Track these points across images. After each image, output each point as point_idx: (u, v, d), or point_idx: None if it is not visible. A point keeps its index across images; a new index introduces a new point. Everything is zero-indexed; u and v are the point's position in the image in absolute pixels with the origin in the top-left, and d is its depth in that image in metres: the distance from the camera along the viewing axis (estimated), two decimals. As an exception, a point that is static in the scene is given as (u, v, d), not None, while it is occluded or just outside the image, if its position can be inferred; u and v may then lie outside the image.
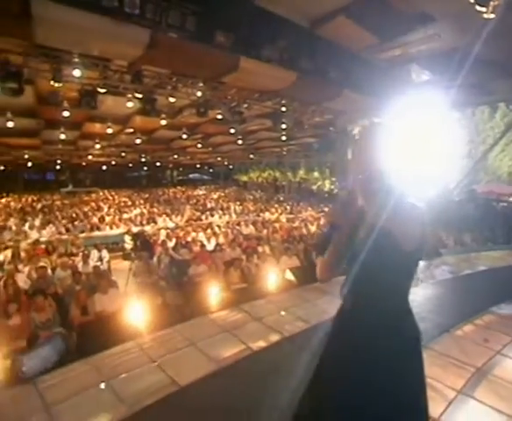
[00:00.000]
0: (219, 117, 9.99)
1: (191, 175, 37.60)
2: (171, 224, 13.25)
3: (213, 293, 5.28)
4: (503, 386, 2.86)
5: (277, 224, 12.61)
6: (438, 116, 7.28)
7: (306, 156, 23.34)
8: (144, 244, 7.96)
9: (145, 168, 32.82)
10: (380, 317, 1.35)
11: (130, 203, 19.48)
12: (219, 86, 8.00)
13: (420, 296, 5.17)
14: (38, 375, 3.08)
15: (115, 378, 3.08)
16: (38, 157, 21.27)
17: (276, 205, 19.43)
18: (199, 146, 18.74)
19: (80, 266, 7.33)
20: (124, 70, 7.06)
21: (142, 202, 19.97)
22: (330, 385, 1.39)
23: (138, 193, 25.02)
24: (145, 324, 4.22)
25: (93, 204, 18.22)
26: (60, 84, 6.65)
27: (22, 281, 6.24)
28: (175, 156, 24.82)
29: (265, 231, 11.30)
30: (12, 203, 18.56)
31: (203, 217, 15.18)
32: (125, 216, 14.63)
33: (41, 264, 6.86)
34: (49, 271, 6.72)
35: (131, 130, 13.92)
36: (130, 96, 8.19)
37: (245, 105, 9.24)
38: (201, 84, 7.92)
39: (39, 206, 17.24)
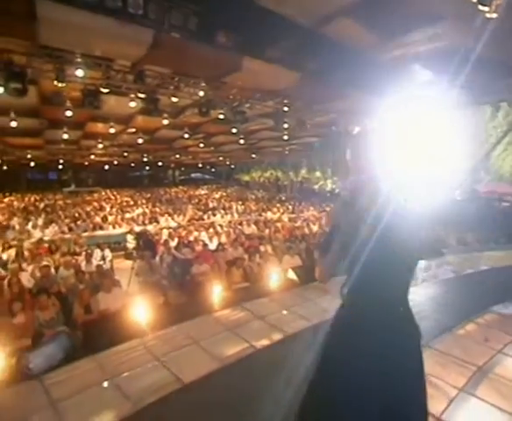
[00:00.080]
0: (221, 116, 10.02)
1: (193, 175, 37.62)
2: (173, 224, 13.29)
3: (215, 292, 5.31)
4: (504, 384, 2.87)
5: (279, 224, 12.62)
6: (441, 115, 7.27)
7: (308, 156, 23.35)
8: (146, 243, 7.99)
9: (147, 168, 32.87)
10: (380, 317, 1.36)
11: (132, 202, 19.52)
12: (221, 86, 8.03)
13: (422, 296, 5.20)
14: (44, 372, 3.12)
15: (120, 375, 3.12)
16: (40, 157, 21.37)
17: (278, 205, 19.43)
18: (201, 145, 18.77)
19: (83, 265, 7.38)
20: (126, 70, 7.11)
21: (144, 201, 20.02)
22: (330, 384, 1.39)
23: (141, 193, 25.06)
24: (148, 322, 4.26)
25: (95, 204, 18.27)
26: (64, 84, 6.70)
27: (26, 279, 6.28)
28: (177, 156, 24.86)
29: (267, 231, 11.31)
30: (15, 203, 18.65)
31: (205, 216, 15.21)
32: (128, 215, 14.68)
33: (44, 263, 6.91)
34: (52, 270, 6.75)
35: (134, 129, 13.96)
36: (132, 95, 8.23)
37: (248, 105, 9.26)
38: (203, 84, 7.95)
39: (42, 206, 17.32)
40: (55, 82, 6.54)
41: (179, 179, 36.93)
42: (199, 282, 6.21)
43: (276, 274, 6.04)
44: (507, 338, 3.70)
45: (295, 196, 24.26)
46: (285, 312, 4.67)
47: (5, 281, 5.77)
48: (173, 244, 8.90)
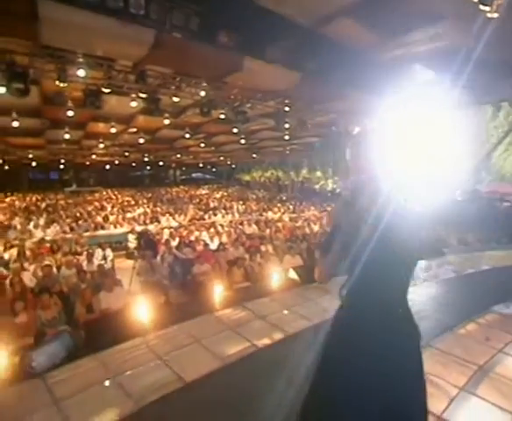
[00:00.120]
0: (222, 116, 10.03)
1: (194, 175, 37.62)
2: (174, 224, 13.31)
3: (216, 292, 5.33)
4: (505, 383, 2.88)
5: (280, 224, 12.61)
6: (442, 115, 7.28)
7: (309, 155, 23.35)
8: (148, 243, 7.99)
9: (148, 168, 32.89)
10: (380, 317, 1.36)
11: (133, 202, 19.54)
12: (223, 86, 8.04)
13: (423, 295, 5.21)
14: (46, 371, 3.14)
15: (122, 374, 3.14)
16: (42, 156, 21.42)
17: (279, 205, 19.43)
18: (202, 145, 18.79)
19: (84, 264, 7.40)
20: (128, 70, 7.13)
21: (145, 201, 20.04)
22: (331, 384, 1.40)
23: (142, 192, 25.07)
24: (150, 322, 4.28)
25: (96, 204, 18.29)
26: (65, 84, 6.72)
27: (28, 279, 6.30)
28: (178, 155, 24.90)
29: (268, 231, 11.32)
30: (17, 203, 18.69)
31: (206, 216, 15.21)
32: (129, 215, 14.70)
33: (46, 262, 6.93)
34: (54, 270, 6.78)
35: (135, 129, 13.99)
36: (134, 95, 8.25)
37: (249, 105, 9.27)
38: (204, 84, 7.96)
39: (44, 205, 17.34)
40: (57, 82, 6.56)
41: (180, 179, 36.94)
42: (200, 282, 6.22)
43: (277, 274, 6.06)
44: (508, 338, 3.71)
45: (295, 196, 24.25)
46: (286, 312, 4.69)
47: (7, 281, 5.80)
48: (174, 243, 8.92)
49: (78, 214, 14.34)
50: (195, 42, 5.50)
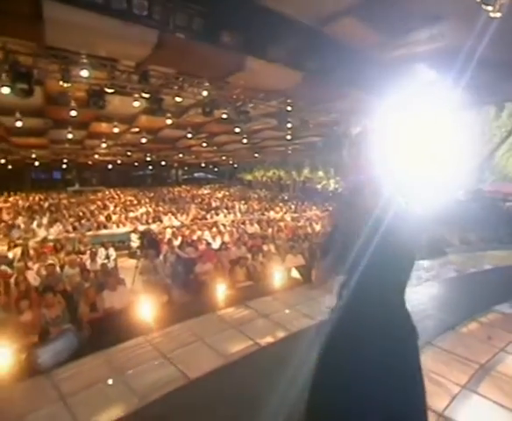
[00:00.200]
0: (224, 116, 10.05)
1: (196, 174, 37.66)
2: (176, 223, 13.34)
3: (219, 291, 5.36)
4: (506, 382, 2.90)
5: (282, 223, 12.63)
6: (444, 115, 7.27)
7: (311, 155, 23.34)
8: (150, 242, 8.04)
9: (151, 167, 32.96)
10: (379, 317, 1.36)
11: (135, 201, 19.58)
12: (225, 86, 8.07)
13: (426, 295, 5.22)
14: (52, 368, 3.18)
15: (127, 371, 3.19)
16: (45, 156, 21.51)
17: (281, 204, 19.44)
18: (204, 145, 18.82)
19: (88, 264, 7.44)
20: (131, 70, 7.16)
21: (147, 201, 20.08)
22: (331, 386, 1.39)
23: (144, 192, 25.10)
24: (153, 320, 4.32)
25: (99, 203, 18.33)
26: (69, 84, 6.76)
27: (32, 278, 6.34)
28: (180, 155, 24.93)
29: (270, 230, 11.33)
30: (20, 202, 18.77)
31: (208, 215, 15.24)
32: (131, 214, 14.73)
33: (50, 262, 6.98)
34: (58, 269, 6.82)
35: (137, 129, 14.03)
36: (137, 95, 8.28)
37: (251, 105, 9.29)
38: (207, 84, 7.98)
39: (47, 205, 17.41)
40: (61, 83, 6.60)
41: (182, 178, 36.99)
42: (202, 281, 6.26)
43: (279, 273, 6.09)
44: (510, 337, 3.72)
45: (297, 196, 24.25)
46: (288, 311, 4.72)
47: (12, 280, 5.84)
48: (176, 243, 8.94)
49: (81, 213, 14.38)
50: (197, 42, 5.51)
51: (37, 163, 24.04)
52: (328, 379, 1.40)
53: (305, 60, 6.71)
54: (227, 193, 26.16)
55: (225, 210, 16.56)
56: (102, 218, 13.42)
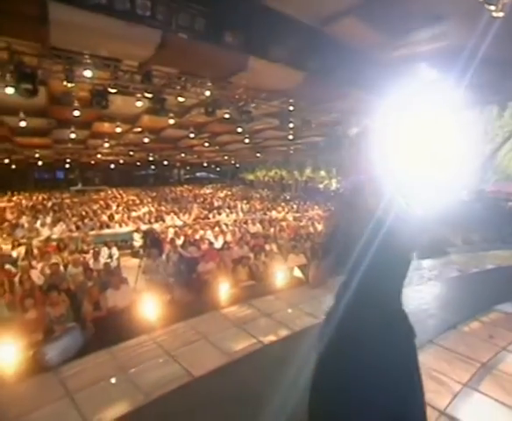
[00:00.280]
0: (227, 116, 10.08)
1: (198, 174, 37.72)
2: (179, 223, 13.38)
3: (222, 290, 5.39)
4: (508, 380, 2.91)
5: (284, 223, 12.65)
6: (446, 115, 7.27)
7: (313, 155, 23.35)
8: (153, 241, 8.06)
9: (153, 167, 33.04)
10: (378, 321, 1.36)
11: (138, 201, 19.64)
12: (227, 85, 8.10)
13: (428, 294, 5.24)
14: (58, 365, 3.22)
15: (132, 368, 3.23)
16: (48, 156, 21.62)
17: (283, 204, 19.46)
18: (206, 144, 18.87)
19: (91, 263, 7.48)
20: (134, 70, 7.20)
21: (150, 200, 20.13)
22: (329, 387, 1.39)
23: (146, 191, 25.18)
24: (157, 319, 4.36)
25: (102, 203, 18.40)
26: (73, 85, 6.81)
27: (36, 277, 6.39)
28: (183, 155, 24.99)
29: (272, 230, 11.35)
30: (24, 202, 18.87)
31: (211, 215, 15.28)
32: (134, 214, 14.78)
33: (53, 261, 7.04)
34: (61, 268, 6.87)
35: (140, 129, 14.09)
36: (139, 95, 8.33)
37: (253, 105, 9.31)
38: (209, 84, 8.01)
39: (50, 204, 17.49)
40: (64, 83, 6.65)
41: (184, 178, 37.05)
42: (205, 280, 6.28)
43: (282, 273, 6.11)
44: (511, 336, 3.73)
45: (299, 196, 24.26)
46: (291, 310, 4.75)
47: (16, 279, 5.90)
48: (179, 242, 8.98)
49: (84, 213, 14.44)
50: (200, 42, 5.55)
51: (40, 163, 24.17)
52: (328, 382, 1.40)
53: (306, 60, 6.73)
54: (229, 193, 26.19)
55: (227, 210, 16.59)
56: (104, 218, 13.47)
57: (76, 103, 8.79)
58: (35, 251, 8.23)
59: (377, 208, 1.32)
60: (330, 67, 7.03)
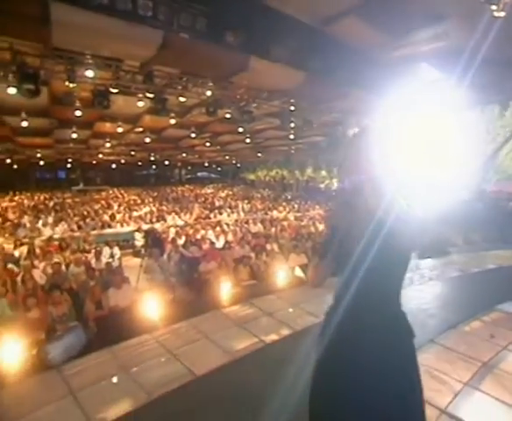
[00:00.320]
0: (228, 116, 10.10)
1: (199, 174, 37.73)
2: (180, 222, 13.41)
3: (223, 289, 5.41)
4: (509, 379, 2.92)
5: (285, 223, 12.66)
6: (447, 115, 7.26)
7: (314, 155, 23.35)
8: (155, 241, 8.07)
9: (154, 167, 33.06)
10: (378, 324, 1.35)
11: (139, 201, 19.68)
12: (229, 85, 8.11)
13: (429, 294, 5.26)
14: (61, 363, 3.24)
15: (135, 367, 3.25)
16: (50, 156, 21.66)
17: (284, 203, 19.47)
18: (207, 144, 18.88)
19: (93, 262, 7.51)
20: (135, 70, 7.22)
21: (151, 200, 20.17)
22: (328, 391, 1.38)
23: (147, 191, 25.20)
24: (158, 318, 4.38)
25: (103, 202, 18.44)
26: (75, 85, 6.83)
27: (38, 276, 6.42)
28: (184, 155, 25.01)
29: (273, 230, 11.36)
30: (26, 201, 18.92)
31: (212, 215, 15.30)
32: (135, 214, 14.82)
33: (55, 260, 7.06)
34: (63, 267, 6.89)
35: (141, 129, 14.11)
36: (141, 95, 8.34)
37: (255, 104, 9.32)
38: (210, 84, 8.02)
39: (52, 204, 17.54)
40: (66, 83, 6.67)
41: (185, 178, 37.07)
42: (207, 280, 6.30)
43: (283, 272, 6.13)
44: (512, 336, 3.74)
45: (300, 195, 24.27)
46: (292, 309, 4.77)
47: (19, 278, 5.93)
48: (180, 242, 9.00)
49: (85, 212, 14.48)
50: (202, 42, 5.56)
51: (42, 163, 24.21)
52: (327, 386, 1.40)
53: (307, 60, 6.74)
54: (230, 192, 26.20)
55: (229, 210, 16.61)
56: (106, 217, 13.51)
57: (78, 103, 8.81)
58: (37, 250, 8.27)
59: (377, 208, 1.31)
60: (331, 67, 7.03)
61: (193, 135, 14.57)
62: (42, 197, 20.63)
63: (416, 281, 5.83)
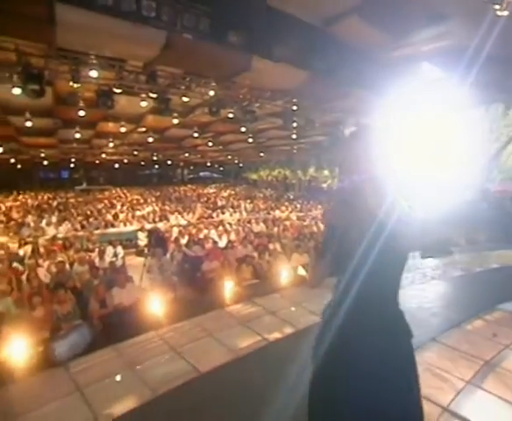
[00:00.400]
0: (230, 115, 10.13)
1: (202, 173, 37.80)
2: (183, 222, 13.45)
3: (226, 288, 5.44)
4: (511, 377, 2.93)
5: (287, 222, 12.67)
6: (451, 114, 7.26)
7: (316, 154, 23.35)
8: (158, 240, 8.13)
9: (157, 167, 33.19)
10: (378, 328, 1.35)
11: (142, 200, 19.75)
12: (232, 85, 8.13)
13: (432, 293, 5.27)
14: (68, 360, 3.29)
15: (139, 364, 3.30)
16: (53, 156, 21.77)
17: (286, 203, 19.48)
18: (210, 144, 18.92)
19: (96, 261, 7.56)
20: (139, 71, 7.26)
21: (154, 199, 20.24)
22: (328, 395, 1.38)
23: (150, 191, 25.29)
24: (163, 316, 4.42)
25: (106, 202, 18.53)
26: (79, 85, 6.89)
27: (42, 275, 6.48)
28: (186, 154, 25.07)
29: (275, 229, 11.39)
30: (29, 201, 19.04)
31: (214, 214, 15.35)
32: (138, 213, 14.89)
33: (59, 259, 7.12)
34: (67, 266, 6.95)
35: (144, 129, 14.17)
36: (144, 95, 8.39)
37: (257, 104, 9.35)
38: (213, 84, 8.05)
39: (55, 204, 17.64)
40: (71, 83, 6.72)
41: (187, 177, 37.15)
42: (210, 279, 6.34)
43: (286, 272, 6.15)
44: (515, 335, 3.74)
45: (303, 195, 24.26)
46: (295, 308, 4.80)
47: (24, 277, 5.98)
48: (183, 241, 9.04)
49: (88, 212, 14.57)
50: (205, 43, 5.59)
51: (45, 162, 24.36)
52: (327, 390, 1.39)
53: (310, 60, 6.75)
54: (233, 192, 26.24)
55: (231, 209, 16.65)
56: (109, 217, 13.58)
57: (82, 104, 8.87)
58: (41, 249, 8.33)
59: (377, 209, 1.30)
60: (333, 67, 7.04)
61: (195, 135, 14.61)
62: (46, 197, 20.75)
63: (418, 281, 5.84)
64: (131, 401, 2.82)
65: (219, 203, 19.03)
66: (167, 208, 16.65)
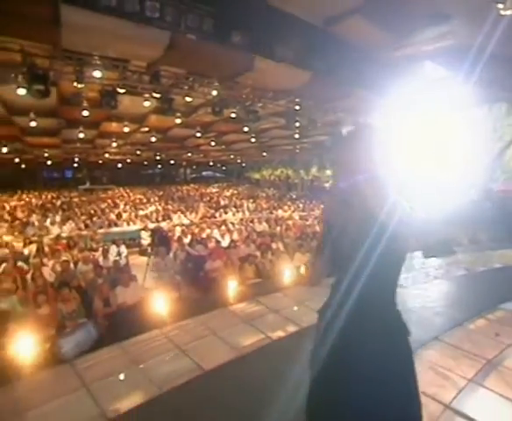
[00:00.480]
0: (233, 115, 10.15)
1: (204, 173, 37.84)
2: (186, 221, 13.51)
3: (229, 287, 5.48)
4: (513, 376, 2.95)
5: (290, 222, 12.69)
6: (455, 113, 7.25)
7: (319, 154, 23.33)
8: (161, 239, 8.16)
9: (160, 166, 33.25)
10: (378, 328, 1.36)
11: (145, 200, 19.83)
12: (234, 85, 8.16)
13: (434, 292, 5.28)
14: (74, 358, 3.34)
15: (144, 362, 3.34)
16: (57, 155, 21.86)
17: (289, 203, 19.50)
18: (212, 144, 18.95)
19: (100, 260, 7.62)
20: (142, 71, 7.30)
21: (157, 199, 20.31)
22: (329, 398, 1.38)
23: (153, 190, 25.35)
24: (166, 315, 4.46)
25: (109, 201, 18.61)
26: (83, 85, 6.94)
27: (47, 274, 6.54)
28: (189, 154, 25.09)
29: (278, 229, 11.41)
30: (34, 200, 19.16)
31: (217, 214, 15.39)
32: (141, 212, 14.96)
33: (64, 258, 7.18)
34: (71, 265, 7.00)
35: (147, 128, 14.22)
36: (147, 95, 8.43)
37: (260, 104, 9.37)
38: (216, 83, 8.09)
39: (59, 203, 17.74)
40: (75, 83, 6.78)
41: (190, 177, 37.19)
42: (213, 278, 6.37)
43: (288, 271, 6.18)
44: (517, 334, 3.75)
45: (305, 195, 24.25)
46: (298, 307, 4.82)
47: (28, 276, 6.04)
48: (186, 241, 9.09)
49: (92, 211, 14.64)
50: (208, 43, 5.62)
51: (49, 162, 24.45)
52: (329, 393, 1.39)
53: (312, 60, 6.76)
54: (235, 192, 26.26)
55: (234, 209, 16.68)
56: (112, 216, 13.66)
57: (85, 104, 8.93)
58: (46, 249, 8.40)
59: (377, 209, 1.29)
60: (335, 67, 7.05)
61: (198, 134, 14.65)
62: (49, 196, 20.85)
63: (421, 280, 5.85)
64: (136, 397, 2.86)
65: (222, 203, 19.07)
66: (169, 207, 16.71)
